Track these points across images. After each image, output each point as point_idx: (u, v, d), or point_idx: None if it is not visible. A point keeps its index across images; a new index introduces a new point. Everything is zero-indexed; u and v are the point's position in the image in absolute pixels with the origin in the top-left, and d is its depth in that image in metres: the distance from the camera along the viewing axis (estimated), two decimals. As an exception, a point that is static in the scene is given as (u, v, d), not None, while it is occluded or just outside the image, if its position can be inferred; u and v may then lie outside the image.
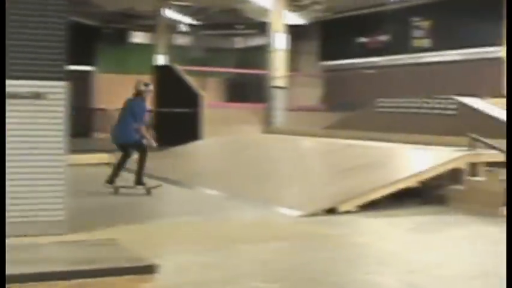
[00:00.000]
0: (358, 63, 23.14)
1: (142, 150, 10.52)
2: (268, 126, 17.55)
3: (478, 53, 19.47)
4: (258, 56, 21.55)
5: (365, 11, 22.76)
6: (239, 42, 29.81)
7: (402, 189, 9.33)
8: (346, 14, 23.52)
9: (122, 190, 10.52)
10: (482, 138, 10.05)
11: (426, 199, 9.68)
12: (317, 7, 22.83)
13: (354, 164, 10.54)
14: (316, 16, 24.04)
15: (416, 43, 21.39)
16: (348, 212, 8.71)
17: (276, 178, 10.94)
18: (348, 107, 17.86)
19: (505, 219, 8.44)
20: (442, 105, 12.53)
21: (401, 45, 21.67)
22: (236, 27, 27.88)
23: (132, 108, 10.53)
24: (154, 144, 10.64)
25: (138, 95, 10.64)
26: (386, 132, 12.45)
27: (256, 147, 13.82)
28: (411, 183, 9.45)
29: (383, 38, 22.57)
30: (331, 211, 8.72)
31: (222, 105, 23.02)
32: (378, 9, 22.11)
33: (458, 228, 8.02)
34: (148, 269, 5.48)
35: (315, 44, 25.62)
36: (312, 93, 24.52)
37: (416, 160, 10.25)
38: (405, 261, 6.26)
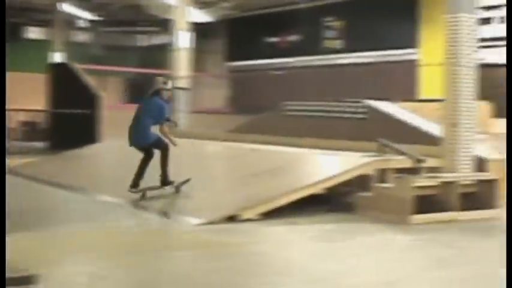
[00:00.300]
0: (267, 64, 23.24)
1: (164, 148, 10.16)
2: (169, 129, 17.36)
3: (392, 55, 19.89)
4: (162, 55, 21.38)
5: (275, 10, 22.93)
6: (142, 40, 29.54)
7: (308, 196, 9.37)
8: (255, 12, 23.63)
9: (150, 193, 10.24)
10: (391, 144, 10.22)
11: (333, 206, 9.75)
12: (224, 4, 22.87)
13: (258, 169, 10.53)
14: (224, 14, 24.06)
15: (328, 44, 21.67)
16: (250, 220, 8.68)
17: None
18: (255, 110, 17.89)
19: (413, 227, 8.65)
20: (351, 109, 12.68)
21: (312, 46, 21.90)
22: (139, 24, 27.62)
23: (149, 108, 10.21)
24: (175, 144, 10.29)
25: (156, 93, 10.33)
26: (294, 137, 12.52)
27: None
28: (317, 190, 9.50)
29: (293, 38, 22.77)
30: (233, 219, 8.67)
31: (123, 106, 22.70)
32: (289, 8, 22.30)
33: (365, 237, 8.10)
34: (27, 280, 5.29)
35: (222, 43, 25.62)
36: (218, 95, 24.49)
37: (323, 166, 10.34)
38: (307, 270, 6.25)
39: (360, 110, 12.56)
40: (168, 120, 10.43)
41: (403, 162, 9.94)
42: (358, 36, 20.77)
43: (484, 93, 15.29)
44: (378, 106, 12.50)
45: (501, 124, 15.61)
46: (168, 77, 10.74)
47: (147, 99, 10.38)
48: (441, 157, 10.31)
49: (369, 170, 9.85)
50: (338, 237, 8.07)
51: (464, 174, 10.07)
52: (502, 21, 17.51)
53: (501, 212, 9.80)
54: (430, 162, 10.21)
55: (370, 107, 12.44)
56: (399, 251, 7.35)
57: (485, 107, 14.57)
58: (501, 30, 17.48)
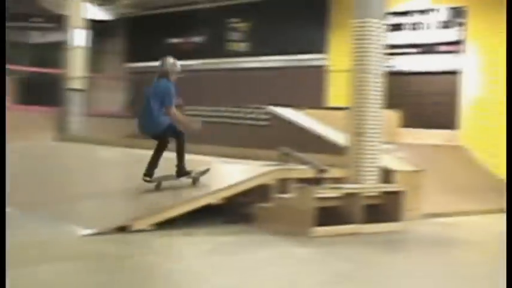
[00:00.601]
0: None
1: (178, 135, 9.84)
2: (62, 133, 17.06)
3: (300, 60, 20.04)
4: (57, 53, 20.94)
5: (178, 9, 22.80)
6: (35, 37, 28.88)
7: (205, 206, 9.32)
8: (157, 11, 23.44)
9: (165, 184, 9.98)
10: (293, 153, 10.27)
11: (231, 217, 9.73)
12: (124, 2, 22.61)
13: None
14: (124, 12, 23.79)
15: (233, 47, 21.68)
16: (142, 231, 8.55)
17: (65, 192, 10.60)
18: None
19: (314, 240, 8.71)
20: (254, 115, 12.72)
21: (216, 48, 21.86)
22: (32, 20, 27.01)
23: (157, 91, 9.82)
24: (195, 126, 10.04)
25: (163, 75, 9.95)
26: (193, 143, 12.42)
27: (46, 157, 13.37)
28: (215, 199, 9.46)
29: (196, 39, 22.69)
30: (125, 229, 8.53)
31: (11, 107, 22.12)
32: (192, 7, 22.19)
33: (263, 249, 8.09)
34: None
35: (121, 44, 25.31)
36: (115, 98, 24.17)
37: (222, 175, 10.31)
38: (198, 285, 6.20)
39: (262, 116, 12.61)
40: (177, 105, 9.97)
41: (306, 172, 10.01)
42: (264, 39, 20.84)
43: (393, 102, 15.66)
44: (282, 113, 12.58)
45: (410, 134, 15.98)
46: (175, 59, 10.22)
47: (155, 82, 10.01)
48: (346, 167, 10.43)
49: (269, 180, 9.87)
50: (234, 250, 8.03)
51: (369, 186, 10.22)
52: (414, 28, 17.88)
53: (406, 225, 10.00)
54: (334, 173, 10.32)
55: (273, 114, 12.51)
56: (297, 265, 7.36)
57: (393, 115, 14.86)
58: (412, 36, 17.88)
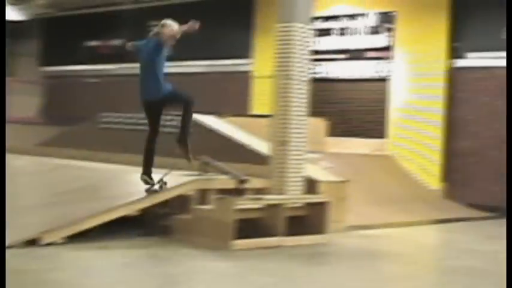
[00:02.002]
0: (86, 70, 22.83)
1: (186, 99, 9.46)
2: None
3: (224, 65, 20.07)
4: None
5: (97, 10, 22.61)
6: None
7: (121, 217, 9.24)
8: (75, 12, 23.20)
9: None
10: (214, 162, 10.27)
11: (148, 230, 9.68)
12: (39, 1, 22.31)
13: (67, 187, 10.31)
14: (39, 12, 23.47)
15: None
16: (53, 244, 8.43)
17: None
18: (70, 121, 17.53)
19: (234, 253, 8.72)
20: (173, 123, 12.63)
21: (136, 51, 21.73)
22: None
23: (147, 50, 9.36)
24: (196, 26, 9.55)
25: (154, 36, 9.52)
26: (110, 152, 12.35)
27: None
28: (131, 211, 9.40)
29: (116, 42, 22.50)
30: (34, 242, 8.39)
31: None
32: (112, 8, 22.03)
33: (180, 264, 8.07)
34: None
35: (36, 46, 24.96)
36: (29, 103, 23.82)
37: (139, 185, 10.23)
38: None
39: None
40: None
41: (226, 182, 10.02)
42: (187, 43, 20.75)
43: (320, 109, 15.83)
44: (203, 120, 12.56)
45: (337, 143, 16.15)
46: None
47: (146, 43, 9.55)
48: (269, 177, 10.48)
49: (188, 190, 9.86)
50: (150, 264, 7.99)
51: (293, 197, 10.30)
52: (342, 33, 18.09)
53: (331, 237, 10.09)
54: (256, 183, 10.36)
55: (194, 121, 12.44)
56: (216, 280, 7.36)
57: (319, 124, 15.00)
58: (340, 42, 18.08)
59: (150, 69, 9.30)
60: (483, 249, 10.53)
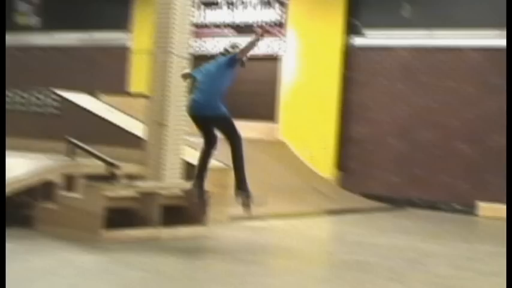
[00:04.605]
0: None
1: (232, 130, 9.28)
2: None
3: (100, 39, 19.89)
4: None
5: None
6: None
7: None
8: None
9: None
10: (83, 145, 10.18)
11: (7, 220, 9.54)
12: None
13: None
14: None
15: (20, 20, 21.23)
16: None
17: None
18: None
19: (104, 246, 8.71)
20: (40, 101, 12.49)
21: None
22: None
23: (217, 66, 9.27)
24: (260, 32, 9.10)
25: (223, 55, 9.47)
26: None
27: None
28: (-14, 199, 9.27)
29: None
30: None
31: None
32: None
33: (41, 257, 8.00)
34: None
35: None
36: None
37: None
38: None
39: (50, 102, 12.41)
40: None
41: (96, 167, 9.95)
42: (58, 13, 20.53)
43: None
44: (74, 99, 12.42)
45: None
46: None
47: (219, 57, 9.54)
48: (144, 163, 10.47)
49: (53, 176, 9.75)
50: (7, 258, 7.89)
51: (170, 184, 10.31)
52: (229, 6, 18.16)
53: (212, 229, 10.18)
54: (130, 169, 10.35)
55: (63, 100, 12.31)
56: (80, 275, 7.34)
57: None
58: (227, 15, 18.14)
59: (216, 86, 9.29)
60: (376, 242, 10.82)
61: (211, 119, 9.24)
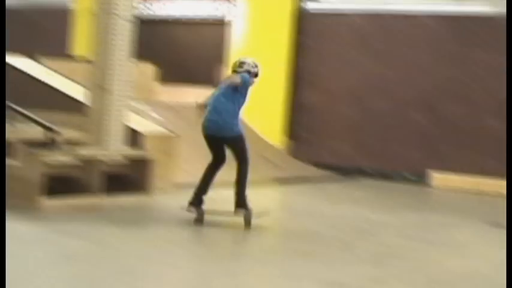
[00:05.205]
0: None
1: (243, 152, 9.30)
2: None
3: (40, 0, 19.67)
4: None
5: None
6: None
7: None
8: None
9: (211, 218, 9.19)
10: (21, 110, 10.09)
11: None
12: None
13: None
14: None
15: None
16: None
17: None
18: None
19: (43, 214, 8.68)
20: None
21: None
22: None
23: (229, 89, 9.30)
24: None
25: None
26: None
27: None
28: None
29: None
30: None
31: None
32: None
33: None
34: None
35: None
36: None
37: None
38: None
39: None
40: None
41: (36, 133, 9.87)
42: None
43: (148, 53, 15.78)
44: (12, 62, 12.30)
45: (168, 91, 16.20)
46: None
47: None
48: (85, 129, 10.42)
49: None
50: None
51: (113, 151, 10.28)
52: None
53: (156, 197, 10.19)
54: (71, 135, 10.28)
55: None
56: (15, 245, 7.26)
57: (147, 69, 15.02)
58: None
59: (232, 105, 9.33)
60: (326, 212, 10.92)
61: (226, 140, 9.32)
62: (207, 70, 17.55)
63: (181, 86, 16.81)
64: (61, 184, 9.29)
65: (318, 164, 16.24)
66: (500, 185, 13.73)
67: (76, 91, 11.69)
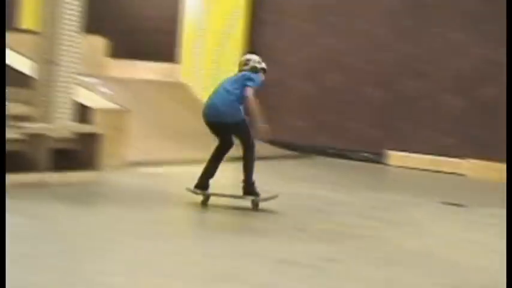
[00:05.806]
0: None
1: (248, 139, 9.33)
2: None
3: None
4: None
5: None
6: None
7: None
8: None
9: (217, 200, 9.35)
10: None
11: None
12: None
13: None
14: None
15: None
16: None
17: None
18: None
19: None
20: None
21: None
22: None
23: (238, 77, 9.44)
24: (267, 132, 9.34)
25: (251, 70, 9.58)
26: None
27: None
28: None
29: None
30: None
31: None
32: None
33: None
34: None
35: None
36: None
37: None
38: None
39: None
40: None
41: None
42: None
43: (99, 26, 15.70)
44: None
45: (119, 66, 16.15)
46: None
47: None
48: (31, 103, 10.35)
49: None
50: None
51: (60, 126, 10.22)
52: None
53: (105, 174, 10.17)
54: (16, 109, 10.20)
55: None
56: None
57: (98, 43, 14.94)
58: None
59: (235, 92, 9.34)
60: (280, 191, 10.92)
61: (228, 126, 9.38)
62: (160, 43, 17.51)
63: (132, 61, 16.78)
64: (6, 160, 9.21)
65: (272, 141, 16.22)
66: (458, 163, 13.89)
67: (23, 64, 11.60)
